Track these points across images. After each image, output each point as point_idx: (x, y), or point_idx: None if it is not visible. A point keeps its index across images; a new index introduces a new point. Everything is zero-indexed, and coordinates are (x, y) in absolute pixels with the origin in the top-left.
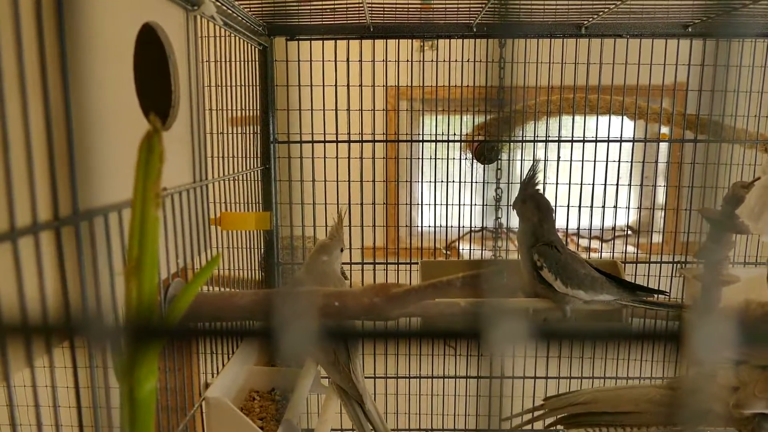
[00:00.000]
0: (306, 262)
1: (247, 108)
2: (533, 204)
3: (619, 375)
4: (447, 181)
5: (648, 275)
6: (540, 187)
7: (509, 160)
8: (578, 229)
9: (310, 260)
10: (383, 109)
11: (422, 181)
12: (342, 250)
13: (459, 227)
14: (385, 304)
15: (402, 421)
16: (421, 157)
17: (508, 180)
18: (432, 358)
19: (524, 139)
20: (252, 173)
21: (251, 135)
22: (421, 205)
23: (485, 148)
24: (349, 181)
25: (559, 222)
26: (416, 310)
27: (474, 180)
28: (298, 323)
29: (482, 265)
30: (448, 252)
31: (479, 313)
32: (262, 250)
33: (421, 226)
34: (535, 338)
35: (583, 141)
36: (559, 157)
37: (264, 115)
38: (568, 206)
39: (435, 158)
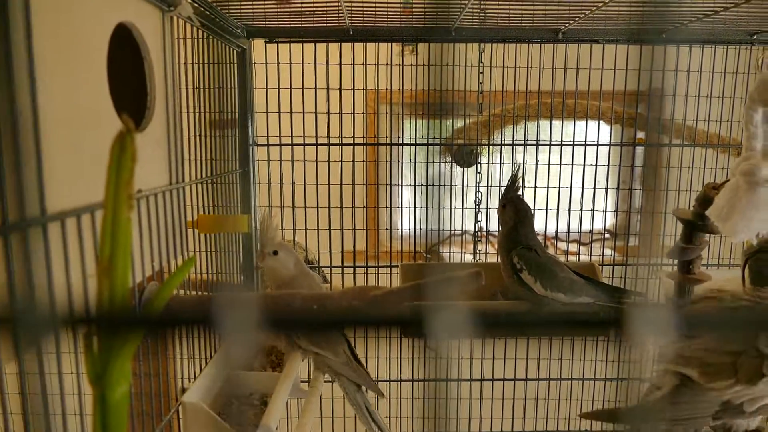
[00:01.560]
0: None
1: (226, 110)
2: (512, 208)
3: (598, 376)
4: (426, 185)
5: (624, 277)
6: (521, 192)
7: (488, 163)
8: (557, 232)
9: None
10: (363, 113)
11: (402, 185)
12: (276, 253)
13: (439, 230)
14: (365, 307)
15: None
16: (400, 160)
17: (488, 183)
18: (389, 361)
19: (503, 142)
20: (230, 176)
21: (230, 138)
22: (401, 208)
23: (464, 152)
24: (329, 184)
25: (538, 225)
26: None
27: (454, 183)
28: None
29: (461, 268)
30: (429, 255)
31: (423, 305)
32: (240, 253)
33: (401, 230)
34: (477, 326)
35: (561, 145)
36: (537, 161)
37: (243, 117)
38: (546, 209)
39: (415, 161)
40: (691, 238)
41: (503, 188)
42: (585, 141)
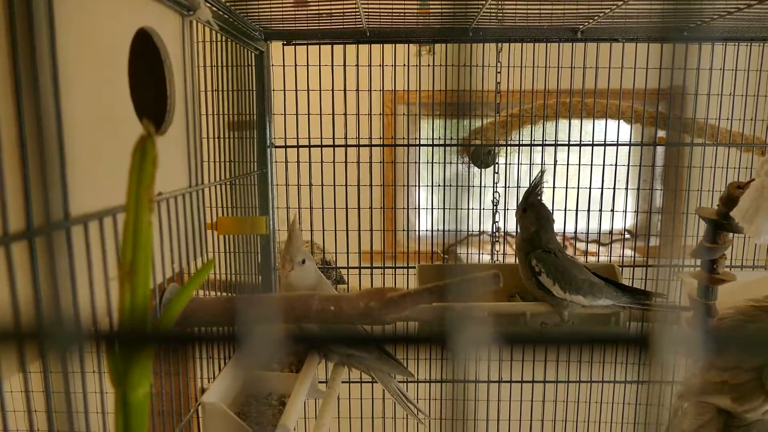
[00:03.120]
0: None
1: (244, 112)
2: (533, 214)
3: (606, 378)
4: (444, 185)
5: (645, 279)
6: (541, 196)
7: (506, 164)
8: (575, 232)
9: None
10: (380, 114)
11: (419, 185)
12: (304, 262)
13: (457, 231)
14: (381, 309)
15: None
16: (418, 161)
17: (506, 184)
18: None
19: (521, 142)
20: (249, 178)
21: (248, 140)
22: (419, 209)
23: (481, 152)
24: (346, 185)
25: (558, 226)
26: (412, 314)
27: (471, 184)
28: (262, 327)
29: (479, 269)
30: (446, 256)
31: (445, 319)
32: (259, 255)
33: (419, 231)
34: (499, 343)
35: (580, 145)
36: (556, 161)
37: (260, 119)
38: (565, 210)
39: (432, 162)
40: (715, 237)
41: (521, 189)
42: (605, 141)
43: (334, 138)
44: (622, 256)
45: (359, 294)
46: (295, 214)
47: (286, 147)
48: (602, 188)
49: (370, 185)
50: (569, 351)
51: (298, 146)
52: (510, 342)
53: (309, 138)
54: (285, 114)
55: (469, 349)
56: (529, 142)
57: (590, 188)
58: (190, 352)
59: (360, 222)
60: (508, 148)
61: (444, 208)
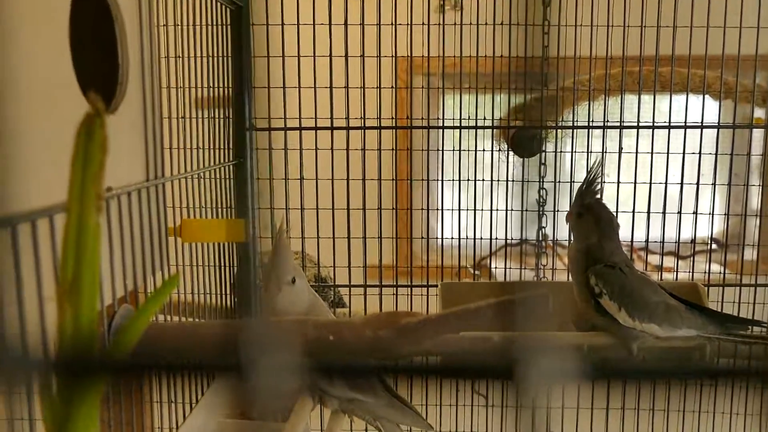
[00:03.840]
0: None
1: (217, 85)
2: (591, 218)
3: None
4: (475, 180)
5: (738, 302)
6: (600, 195)
7: (556, 151)
8: (647, 241)
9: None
10: (392, 87)
11: (443, 180)
12: (294, 281)
13: (491, 239)
14: (394, 339)
15: None
16: (441, 148)
17: (555, 178)
18: (456, 408)
19: (575, 124)
20: (222, 169)
21: (222, 120)
22: (442, 210)
23: (524, 137)
24: (347, 179)
25: (623, 233)
26: (434, 346)
27: (510, 178)
28: (276, 359)
29: (520, 288)
30: (477, 272)
31: (512, 347)
32: (235, 268)
33: (442, 238)
34: (586, 377)
35: (653, 127)
36: (620, 149)
37: (238, 94)
38: (633, 212)
39: (459, 149)
40: None
41: (575, 185)
42: (685, 122)
43: (332, 118)
44: (708, 273)
45: (366, 320)
46: (283, 218)
47: (270, 129)
48: (681, 184)
49: (379, 179)
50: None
51: (285, 129)
52: (601, 376)
53: (300, 118)
54: (269, 87)
55: (545, 384)
56: (585, 124)
57: (666, 183)
58: (147, 392)
59: (366, 227)
60: (559, 131)
61: (474, 210)
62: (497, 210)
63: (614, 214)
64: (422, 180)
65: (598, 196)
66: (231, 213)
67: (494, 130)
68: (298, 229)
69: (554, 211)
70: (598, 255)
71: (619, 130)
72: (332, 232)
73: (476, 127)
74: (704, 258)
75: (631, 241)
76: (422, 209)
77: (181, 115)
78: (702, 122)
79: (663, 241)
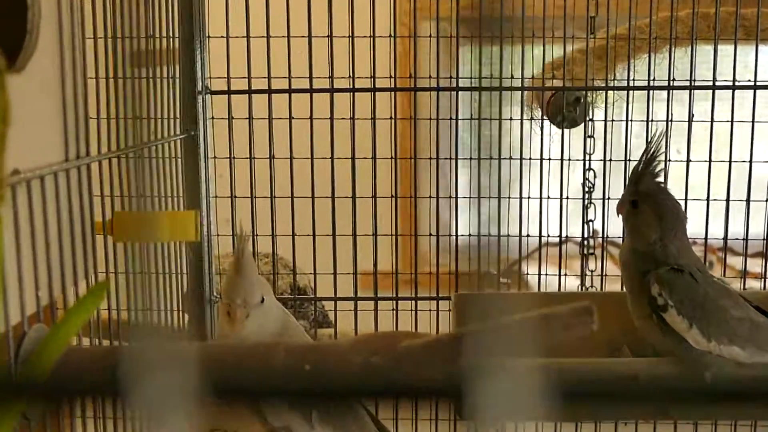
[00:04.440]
0: None
1: (158, 36)
2: (652, 209)
3: None
4: (500, 158)
5: None
6: (662, 177)
7: (606, 120)
8: (725, 239)
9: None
10: (390, 36)
11: (456, 158)
12: (263, 301)
13: (520, 237)
14: (390, 367)
15: None
16: (454, 116)
17: (605, 156)
18: None
19: (632, 85)
20: (167, 145)
21: (165, 81)
22: (457, 198)
23: (564, 101)
24: (332, 158)
25: (695, 228)
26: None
27: (547, 156)
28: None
29: (558, 300)
30: (507, 280)
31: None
32: (185, 275)
33: (457, 235)
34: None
35: (733, 88)
36: (691, 116)
37: (186, 47)
38: (707, 200)
39: (479, 118)
40: None
41: (631, 164)
42: (754, 81)
43: (311, 78)
44: None
45: (354, 343)
46: (241, 227)
47: (229, 93)
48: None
49: (373, 157)
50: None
51: (249, 92)
52: (572, 397)
53: (269, 78)
54: (228, 37)
55: (500, 407)
56: (645, 84)
57: (750, 162)
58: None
59: (356, 222)
60: (611, 93)
61: (499, 198)
62: (529, 198)
63: (681, 203)
64: (429, 159)
65: (660, 179)
66: (178, 203)
67: (524, 92)
68: (268, 223)
69: (604, 198)
70: (660, 257)
71: (689, 91)
72: (312, 229)
73: (500, 89)
74: None
75: (705, 238)
76: (431, 197)
77: (111, 74)
78: None
79: (747, 239)
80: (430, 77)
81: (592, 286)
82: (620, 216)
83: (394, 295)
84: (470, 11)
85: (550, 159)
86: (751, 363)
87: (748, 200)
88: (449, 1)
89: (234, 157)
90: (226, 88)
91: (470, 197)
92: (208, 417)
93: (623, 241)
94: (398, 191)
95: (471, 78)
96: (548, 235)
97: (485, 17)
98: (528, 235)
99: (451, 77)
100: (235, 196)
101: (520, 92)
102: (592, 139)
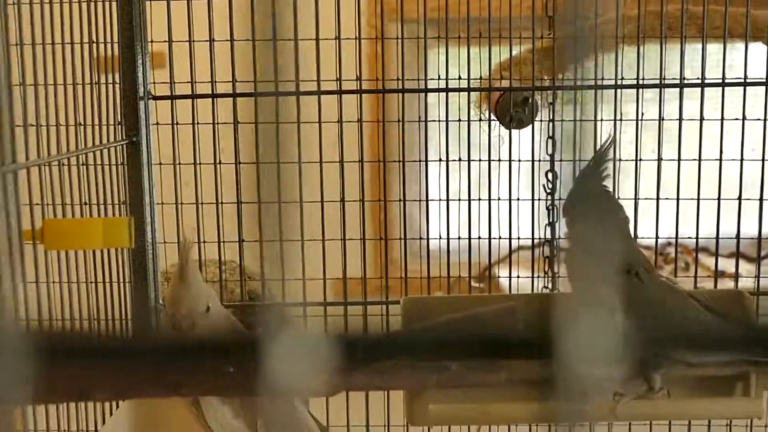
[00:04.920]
0: None
1: (97, 37)
2: (592, 211)
3: None
4: (469, 160)
5: None
6: (609, 180)
7: (562, 119)
8: (697, 239)
9: None
10: (355, 38)
11: (427, 161)
12: (208, 309)
13: (490, 240)
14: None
15: None
16: (424, 117)
17: (574, 156)
18: None
19: (601, 84)
20: (107, 152)
21: (105, 87)
22: (427, 201)
23: (509, 102)
24: (299, 162)
25: (665, 228)
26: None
27: (516, 157)
28: None
29: (492, 302)
30: (480, 284)
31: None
32: (128, 284)
33: (428, 239)
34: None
35: (702, 85)
36: (661, 114)
37: (126, 47)
38: (677, 200)
39: (447, 120)
40: None
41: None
42: (744, 78)
43: (277, 82)
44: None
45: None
46: (186, 239)
47: (173, 98)
48: (742, 160)
49: (341, 162)
50: None
51: (193, 96)
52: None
53: (212, 83)
54: (170, 41)
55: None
56: (612, 83)
57: (720, 160)
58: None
59: (324, 226)
60: (557, 92)
61: (469, 200)
62: (498, 200)
63: (623, 207)
64: (399, 161)
65: (606, 182)
66: (120, 210)
67: (471, 93)
68: (216, 229)
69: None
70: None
71: (659, 89)
72: (279, 234)
73: (459, 90)
74: None
75: (676, 238)
76: (400, 201)
77: (43, 78)
78: None
79: (718, 237)
80: (397, 79)
81: (556, 289)
82: (565, 219)
83: (363, 301)
84: (438, 12)
85: (520, 161)
86: (700, 362)
87: (718, 199)
88: (416, 2)
89: (179, 163)
90: (169, 94)
91: (439, 200)
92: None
93: (569, 249)
94: (367, 194)
95: (438, 79)
96: (517, 238)
97: (452, 20)
98: (499, 238)
99: (419, 79)
100: (181, 203)
101: (475, 93)
102: (552, 140)
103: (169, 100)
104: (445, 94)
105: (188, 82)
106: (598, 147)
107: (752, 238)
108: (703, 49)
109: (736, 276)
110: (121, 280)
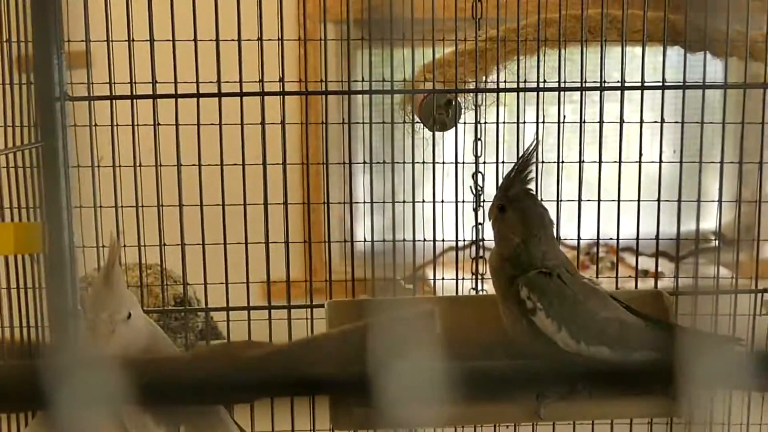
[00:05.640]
0: None
1: (10, 35)
2: (516, 214)
3: None
4: (393, 162)
5: (734, 314)
6: (533, 184)
7: (480, 122)
8: (618, 239)
9: None
10: (278, 39)
11: (351, 163)
12: (130, 316)
13: (414, 241)
14: (229, 378)
15: None
16: (347, 119)
17: (497, 159)
18: None
19: (524, 86)
20: (20, 154)
21: (19, 86)
22: (351, 204)
23: (433, 104)
24: (222, 165)
25: (586, 229)
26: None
27: (439, 160)
28: None
29: (407, 306)
30: (410, 286)
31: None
32: (43, 290)
33: (353, 242)
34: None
35: (622, 89)
36: (582, 117)
37: (41, 44)
38: (598, 201)
39: (371, 122)
40: None
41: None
42: (662, 81)
43: (198, 83)
44: (717, 278)
45: (195, 355)
46: (112, 235)
47: (91, 99)
48: (661, 162)
49: (263, 164)
50: None
51: (112, 97)
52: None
53: (132, 84)
54: (88, 40)
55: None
56: (535, 86)
57: (640, 163)
58: None
59: (247, 230)
60: (482, 95)
61: (393, 203)
62: (423, 202)
63: (548, 210)
64: (322, 164)
65: (530, 185)
66: (34, 214)
67: (394, 95)
68: (134, 233)
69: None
70: (525, 260)
71: (580, 92)
72: (202, 236)
73: (392, 92)
74: (712, 258)
75: (597, 238)
76: (324, 203)
77: None
78: (707, 82)
79: (638, 238)
80: (321, 81)
81: (483, 290)
82: (491, 221)
83: (288, 304)
84: (362, 14)
85: (444, 162)
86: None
87: (639, 201)
88: (340, 4)
89: (98, 166)
90: (87, 95)
91: (363, 202)
92: None
93: (493, 250)
94: (290, 197)
95: (362, 81)
96: (444, 240)
97: (374, 19)
98: (423, 240)
99: (342, 80)
100: (100, 207)
101: (399, 95)
102: (481, 141)
103: (87, 102)
104: (368, 97)
105: (105, 82)
106: (522, 149)
107: (671, 239)
108: (623, 53)
109: (656, 276)
110: (38, 285)
